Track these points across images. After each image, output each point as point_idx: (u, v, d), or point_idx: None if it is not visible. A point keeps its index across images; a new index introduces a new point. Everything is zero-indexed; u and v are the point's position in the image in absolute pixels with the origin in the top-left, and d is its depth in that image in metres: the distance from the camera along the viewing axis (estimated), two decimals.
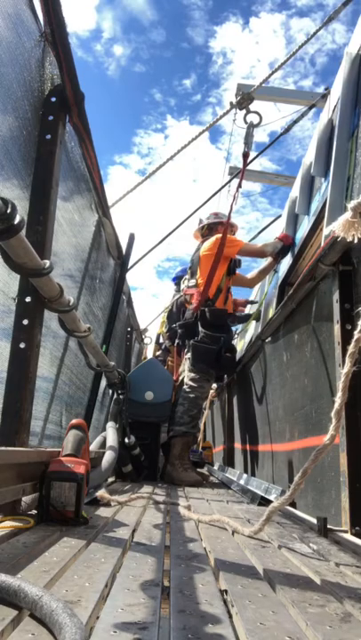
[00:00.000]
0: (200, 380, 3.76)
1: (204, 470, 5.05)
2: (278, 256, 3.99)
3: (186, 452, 3.72)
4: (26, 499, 1.54)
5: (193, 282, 4.19)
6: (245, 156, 3.88)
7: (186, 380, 3.82)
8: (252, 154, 4.19)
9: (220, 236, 3.93)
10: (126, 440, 3.40)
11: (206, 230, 4.39)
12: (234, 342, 4.84)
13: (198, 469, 4.11)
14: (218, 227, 4.30)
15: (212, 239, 4.02)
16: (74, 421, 1.78)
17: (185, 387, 3.79)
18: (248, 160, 4.05)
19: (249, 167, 5.01)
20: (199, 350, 3.77)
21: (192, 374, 3.78)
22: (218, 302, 3.89)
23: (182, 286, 4.64)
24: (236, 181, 3.98)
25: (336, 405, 1.20)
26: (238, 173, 4.22)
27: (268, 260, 4.13)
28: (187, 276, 4.45)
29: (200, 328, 3.83)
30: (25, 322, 1.68)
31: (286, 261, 3.91)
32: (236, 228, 4.49)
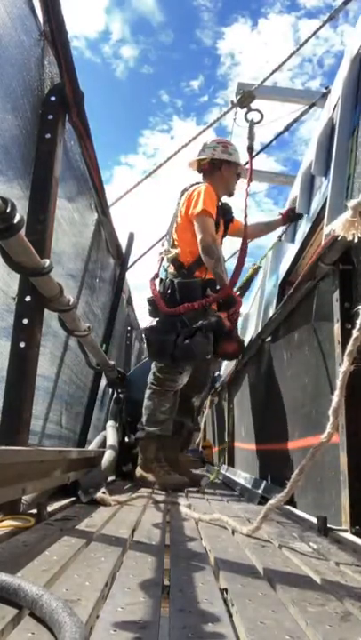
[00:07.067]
0: (172, 373, 2.93)
1: (204, 470, 5.02)
2: (288, 219, 3.40)
3: (163, 451, 3.08)
4: (26, 498, 1.54)
5: (170, 242, 3.15)
6: (250, 150, 3.77)
7: (153, 368, 3.04)
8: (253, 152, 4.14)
9: (202, 188, 3.01)
10: (126, 439, 3.39)
11: (207, 165, 3.23)
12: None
13: (193, 470, 3.43)
14: (223, 166, 3.23)
15: (195, 190, 3.04)
16: None
17: (151, 377, 3.03)
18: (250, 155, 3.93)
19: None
20: (150, 340, 2.95)
21: (160, 364, 2.97)
22: (199, 272, 2.97)
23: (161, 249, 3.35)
24: (243, 181, 3.83)
25: (333, 404, 1.20)
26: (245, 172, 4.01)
27: (278, 218, 3.52)
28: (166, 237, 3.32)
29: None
30: (25, 321, 1.68)
31: (287, 261, 3.90)
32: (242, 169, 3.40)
